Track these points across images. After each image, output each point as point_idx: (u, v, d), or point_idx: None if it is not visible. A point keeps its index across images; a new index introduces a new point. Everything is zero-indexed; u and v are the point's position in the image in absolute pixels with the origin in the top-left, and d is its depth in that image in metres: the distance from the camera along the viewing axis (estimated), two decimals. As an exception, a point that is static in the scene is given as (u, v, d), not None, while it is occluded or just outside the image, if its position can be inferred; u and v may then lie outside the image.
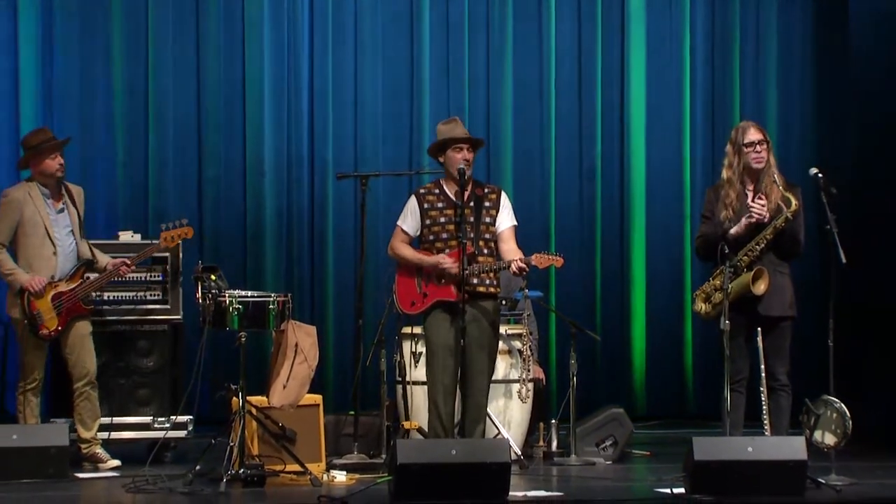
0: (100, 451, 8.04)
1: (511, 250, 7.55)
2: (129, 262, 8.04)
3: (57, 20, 10.23)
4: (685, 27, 10.93)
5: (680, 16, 10.93)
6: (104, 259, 8.09)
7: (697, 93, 10.96)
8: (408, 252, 7.69)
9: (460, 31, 10.72)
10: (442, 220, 7.61)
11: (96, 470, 7.84)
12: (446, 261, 7.49)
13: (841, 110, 10.71)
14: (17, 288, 7.90)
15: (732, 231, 7.53)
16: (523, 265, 7.43)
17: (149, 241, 8.58)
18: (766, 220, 7.49)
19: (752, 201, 7.53)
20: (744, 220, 7.51)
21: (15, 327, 8.06)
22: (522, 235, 7.91)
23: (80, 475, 7.53)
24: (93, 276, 8.03)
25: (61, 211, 8.05)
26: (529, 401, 8.36)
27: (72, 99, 10.20)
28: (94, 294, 8.14)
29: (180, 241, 8.24)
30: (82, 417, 8.03)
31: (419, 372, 8.14)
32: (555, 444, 8.47)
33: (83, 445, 8.02)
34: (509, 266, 7.44)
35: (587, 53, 10.86)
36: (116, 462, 7.97)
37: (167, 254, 8.49)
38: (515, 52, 10.78)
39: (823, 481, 6.93)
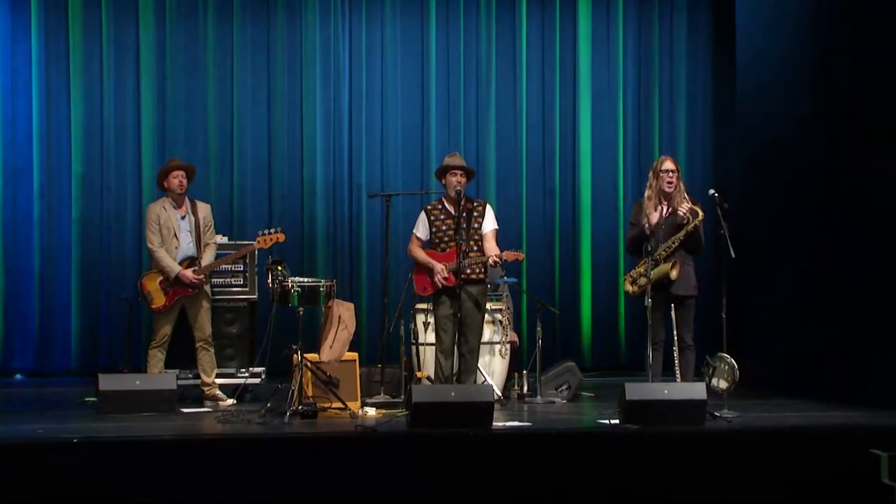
0: (218, 392, 7.97)
1: (491, 248, 7.57)
2: (198, 274, 7.88)
3: (168, 84, 10.22)
4: (619, 84, 10.89)
5: (616, 76, 10.89)
6: (206, 260, 8.00)
7: (628, 133, 10.92)
8: (420, 255, 7.70)
9: (457, 89, 10.68)
10: (444, 227, 7.62)
11: (217, 407, 7.74)
12: (439, 274, 7.48)
13: (730, 145, 10.68)
14: (172, 277, 7.84)
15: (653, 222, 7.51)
16: (496, 258, 7.47)
17: (234, 242, 8.58)
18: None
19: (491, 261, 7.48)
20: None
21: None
22: (502, 237, 7.90)
23: (185, 410, 7.49)
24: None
25: (183, 218, 7.99)
26: (507, 357, 8.36)
27: (178, 141, 10.19)
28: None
29: (273, 244, 8.00)
30: (203, 367, 7.98)
31: (428, 336, 8.13)
32: (526, 388, 8.46)
33: (206, 388, 7.96)
34: (489, 259, 7.45)
35: (548, 105, 10.83)
36: (232, 401, 7.90)
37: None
38: (497, 105, 10.75)
39: (718, 414, 6.92)
